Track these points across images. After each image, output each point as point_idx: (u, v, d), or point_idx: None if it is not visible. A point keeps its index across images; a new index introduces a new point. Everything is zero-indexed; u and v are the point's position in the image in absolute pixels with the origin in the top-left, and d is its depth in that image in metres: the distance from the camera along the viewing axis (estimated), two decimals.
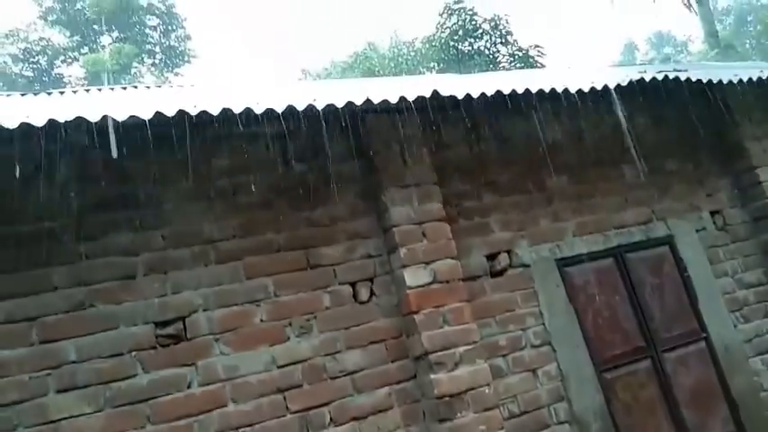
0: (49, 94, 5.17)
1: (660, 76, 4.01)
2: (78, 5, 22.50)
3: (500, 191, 4.11)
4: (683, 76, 4.08)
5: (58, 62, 21.67)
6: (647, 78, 3.98)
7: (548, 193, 4.25)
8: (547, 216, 4.19)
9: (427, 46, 17.88)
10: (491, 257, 3.95)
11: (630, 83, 3.94)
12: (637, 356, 4.07)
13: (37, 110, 3.35)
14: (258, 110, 3.08)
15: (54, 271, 3.05)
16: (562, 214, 4.23)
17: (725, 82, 4.22)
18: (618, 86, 3.88)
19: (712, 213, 4.74)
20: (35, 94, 5.13)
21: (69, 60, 21.94)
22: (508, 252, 4.00)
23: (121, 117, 2.84)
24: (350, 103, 3.31)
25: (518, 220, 4.10)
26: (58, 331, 2.98)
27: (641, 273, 4.29)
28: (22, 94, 5.21)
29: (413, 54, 19.09)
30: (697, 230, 4.61)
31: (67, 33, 21.71)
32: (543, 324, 3.90)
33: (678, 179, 4.70)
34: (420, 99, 3.46)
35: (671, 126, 4.75)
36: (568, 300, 3.99)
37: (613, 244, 4.28)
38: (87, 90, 5.56)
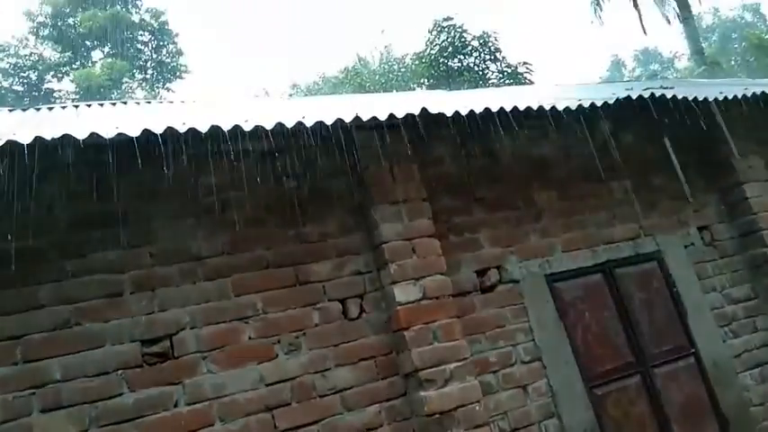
0: (38, 109, 5.15)
1: (647, 94, 4.06)
2: (70, 21, 22.52)
3: (489, 207, 4.13)
4: (669, 94, 4.13)
5: (48, 77, 21.60)
6: (634, 96, 4.03)
7: (537, 208, 4.27)
8: (536, 232, 4.21)
9: (417, 62, 18.01)
10: (481, 273, 3.95)
11: (617, 100, 3.98)
12: (626, 372, 4.07)
13: (24, 127, 3.35)
14: (247, 127, 3.08)
15: (40, 288, 3.02)
16: (551, 230, 4.25)
17: (710, 100, 4.28)
18: (605, 104, 3.92)
19: (700, 229, 4.77)
20: (23, 110, 5.10)
21: (60, 75, 21.88)
22: (498, 268, 4.00)
23: (109, 134, 2.83)
24: (339, 120, 3.32)
25: (507, 236, 4.11)
26: (43, 350, 2.94)
27: (630, 288, 4.31)
28: (10, 110, 5.18)
29: (403, 70, 19.24)
30: (685, 246, 4.64)
31: (59, 49, 21.67)
32: (533, 340, 3.90)
33: (665, 195, 4.73)
34: (409, 116, 3.48)
35: (657, 142, 4.80)
36: (558, 315, 4.00)
37: (602, 259, 4.30)
38: (76, 106, 5.54)
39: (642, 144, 4.76)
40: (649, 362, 4.15)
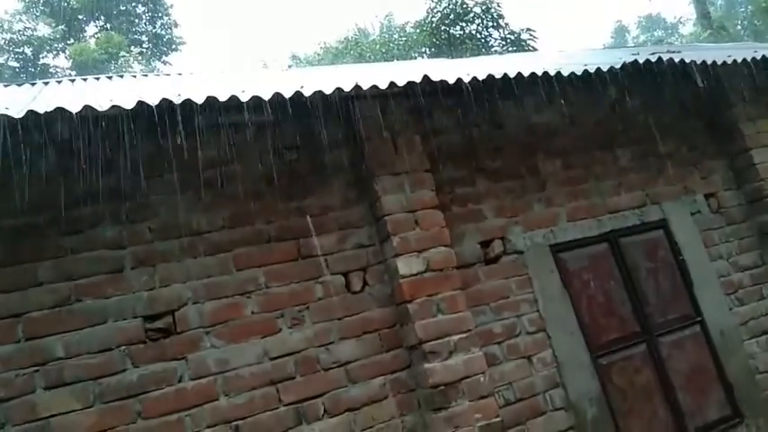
0: (33, 84, 5.06)
1: (653, 58, 3.95)
2: None
3: (493, 177, 4.06)
4: (676, 58, 4.02)
5: (44, 53, 21.32)
6: (641, 61, 3.92)
7: (541, 178, 4.21)
8: (540, 202, 4.15)
9: (418, 31, 17.69)
10: (485, 244, 3.91)
11: (624, 65, 3.88)
12: (632, 341, 4.05)
13: (17, 101, 3.27)
14: (244, 98, 3.01)
15: (39, 266, 2.99)
16: (555, 199, 4.19)
17: (719, 63, 4.17)
18: (611, 69, 3.83)
19: (707, 196, 4.71)
20: (19, 85, 5.01)
21: (55, 51, 21.58)
22: (502, 239, 3.95)
23: (104, 107, 2.76)
24: (339, 90, 3.24)
25: (511, 207, 4.05)
26: (44, 327, 2.92)
27: (636, 257, 4.27)
28: (6, 85, 5.09)
29: (404, 39, 18.89)
30: (692, 214, 4.58)
31: (52, 24, 21.33)
32: (538, 311, 3.87)
33: (672, 162, 4.65)
34: (410, 84, 3.40)
35: (664, 108, 4.70)
36: (563, 286, 3.96)
37: (607, 229, 4.25)
38: (72, 80, 5.44)
39: (648, 110, 4.66)
40: (655, 331, 4.13)
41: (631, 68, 3.93)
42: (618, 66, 3.85)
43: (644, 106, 4.66)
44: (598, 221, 4.25)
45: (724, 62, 4.19)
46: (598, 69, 3.80)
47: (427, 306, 3.44)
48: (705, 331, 4.29)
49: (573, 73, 3.73)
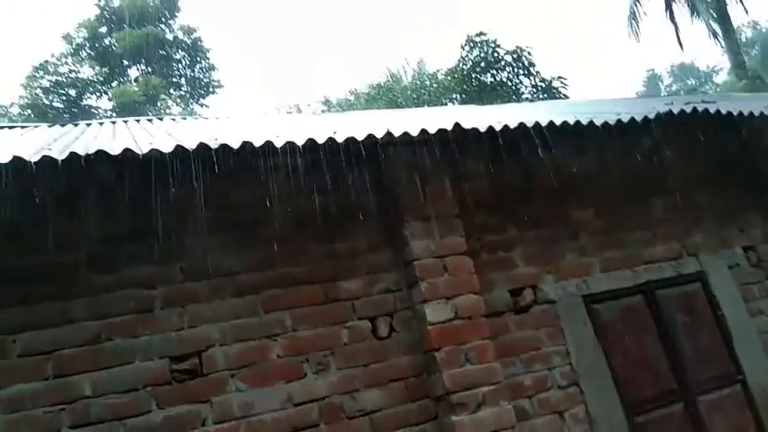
0: (76, 125, 5.25)
1: (688, 109, 3.91)
2: (107, 41, 23.27)
3: (524, 224, 4.01)
4: (711, 109, 3.98)
5: (87, 94, 22.28)
6: (675, 111, 3.88)
7: (573, 226, 4.14)
8: (573, 251, 4.07)
9: (449, 78, 17.97)
10: (515, 293, 3.83)
11: (658, 116, 3.85)
12: (669, 400, 3.88)
13: (60, 142, 3.39)
14: (278, 143, 3.06)
15: (72, 304, 3.03)
16: (588, 249, 4.11)
17: (756, 114, 4.10)
18: (645, 119, 3.79)
19: (745, 249, 4.57)
20: (62, 125, 5.21)
21: (98, 93, 22.55)
22: (533, 287, 3.88)
23: (143, 150, 2.84)
24: (370, 136, 3.27)
25: (543, 255, 3.98)
26: (73, 365, 2.94)
27: (672, 310, 4.13)
28: (49, 125, 5.30)
29: (435, 86, 19.19)
30: (730, 267, 4.44)
31: (96, 67, 22.36)
32: (570, 364, 3.75)
33: (709, 214, 4.55)
34: (442, 132, 3.41)
35: (700, 159, 4.63)
36: (596, 338, 3.84)
37: (642, 280, 4.13)
38: (113, 122, 5.64)
39: (684, 160, 4.59)
40: (693, 389, 3.95)
41: (665, 119, 3.90)
42: (652, 116, 3.82)
43: (679, 156, 4.58)
44: (633, 272, 4.14)
45: (761, 113, 4.12)
46: (632, 119, 3.77)
47: (455, 355, 3.36)
48: (746, 391, 4.09)
49: (606, 122, 3.71)
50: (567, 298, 3.91)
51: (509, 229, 3.97)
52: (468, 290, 3.54)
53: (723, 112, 3.97)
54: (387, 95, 19.99)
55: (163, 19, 24.58)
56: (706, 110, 3.96)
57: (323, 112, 22.78)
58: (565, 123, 3.63)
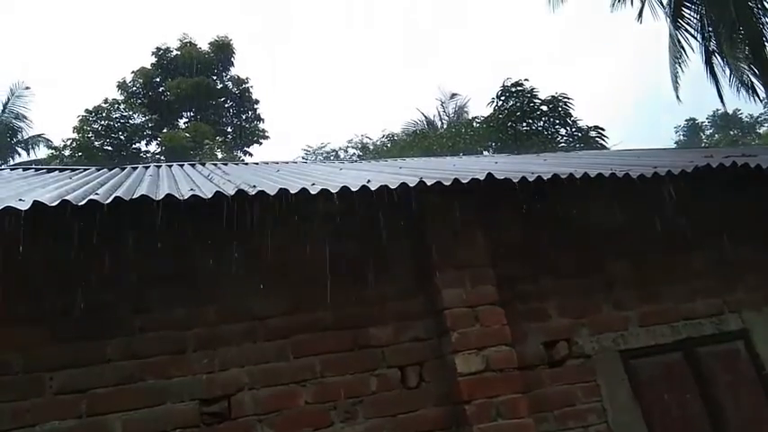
0: (123, 168, 5.49)
1: (728, 163, 3.85)
2: (160, 89, 24.42)
3: (558, 275, 3.96)
4: (752, 163, 3.91)
5: (136, 138, 23.24)
6: (714, 165, 3.83)
7: (609, 278, 4.06)
8: (608, 303, 3.98)
9: (485, 126, 18.14)
10: (549, 346, 3.75)
11: (696, 169, 3.79)
12: None
13: (108, 186, 3.54)
14: (313, 191, 3.13)
15: (108, 343, 3.11)
16: (625, 302, 4.01)
17: None
18: (682, 173, 3.75)
19: None
20: (110, 170, 5.45)
21: (147, 138, 23.52)
22: (567, 341, 3.79)
23: (185, 196, 2.95)
24: (403, 185, 3.32)
25: (577, 307, 3.91)
26: (106, 404, 3.00)
27: (714, 369, 3.96)
28: (98, 169, 5.55)
29: (471, 134, 19.37)
30: None
31: (147, 113, 23.40)
32: (606, 422, 3.61)
33: (751, 268, 4.40)
34: (474, 182, 3.44)
35: (742, 212, 4.51)
36: (634, 396, 3.71)
37: (682, 336, 4.00)
38: (158, 166, 5.87)
39: (724, 213, 4.49)
40: None
41: (703, 172, 3.84)
42: (689, 169, 3.77)
43: (719, 209, 4.49)
44: (671, 328, 4.01)
45: None
46: (669, 172, 3.73)
47: (486, 408, 3.29)
48: None
49: (642, 175, 3.68)
50: (603, 352, 3.80)
51: (542, 279, 3.92)
52: (500, 341, 3.49)
53: (763, 166, 3.90)
54: (422, 143, 20.23)
55: (215, 71, 25.71)
56: (746, 163, 3.90)
57: (359, 157, 23.15)
58: (599, 175, 3.62)
